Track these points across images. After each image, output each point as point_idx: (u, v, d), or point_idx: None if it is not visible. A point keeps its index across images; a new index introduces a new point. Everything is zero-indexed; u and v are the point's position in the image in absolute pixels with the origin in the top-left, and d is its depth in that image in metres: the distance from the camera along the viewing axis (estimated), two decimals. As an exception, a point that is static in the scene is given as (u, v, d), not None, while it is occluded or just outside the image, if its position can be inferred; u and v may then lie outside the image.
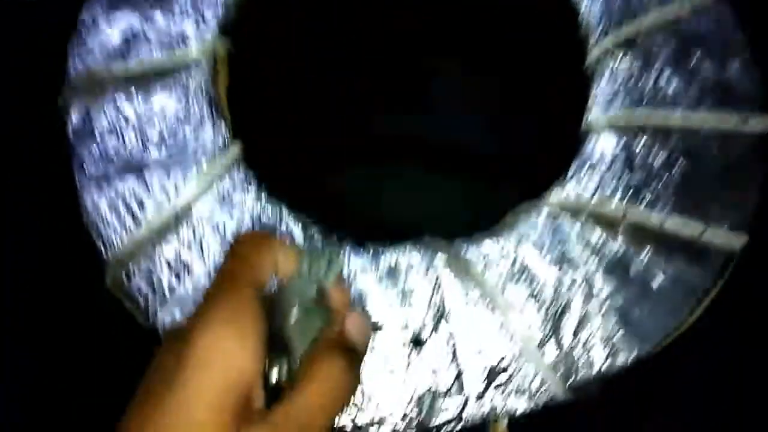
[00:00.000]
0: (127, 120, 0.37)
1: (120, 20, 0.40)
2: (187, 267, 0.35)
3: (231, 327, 0.22)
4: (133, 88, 0.38)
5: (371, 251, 0.35)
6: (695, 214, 0.35)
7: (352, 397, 0.28)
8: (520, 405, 0.33)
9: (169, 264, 0.35)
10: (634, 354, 0.33)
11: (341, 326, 0.26)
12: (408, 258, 0.34)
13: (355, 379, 0.25)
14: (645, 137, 0.36)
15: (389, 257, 0.34)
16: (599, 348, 0.33)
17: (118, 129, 0.37)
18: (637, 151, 0.36)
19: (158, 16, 0.40)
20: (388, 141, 0.39)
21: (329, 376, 0.23)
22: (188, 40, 0.39)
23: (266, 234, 0.28)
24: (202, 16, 0.40)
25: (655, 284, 0.34)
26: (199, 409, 0.21)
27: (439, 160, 0.40)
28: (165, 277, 0.35)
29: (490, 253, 0.34)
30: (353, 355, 0.25)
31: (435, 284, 0.34)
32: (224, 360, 0.22)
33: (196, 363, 0.21)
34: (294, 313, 0.25)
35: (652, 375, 0.35)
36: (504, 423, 0.34)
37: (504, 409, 0.33)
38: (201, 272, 0.35)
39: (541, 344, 0.33)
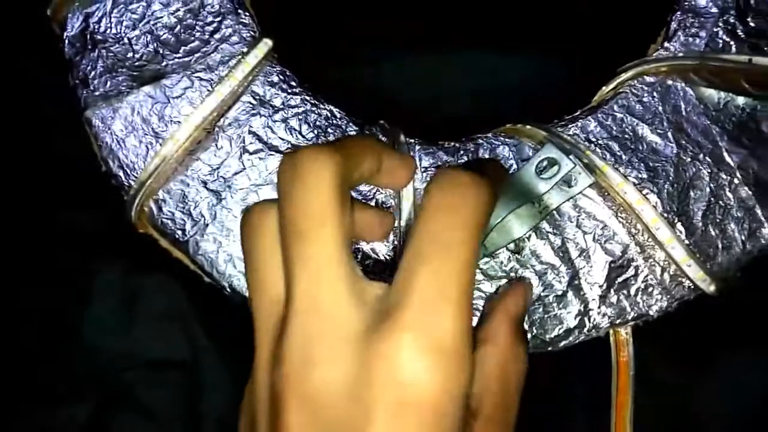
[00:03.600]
0: (134, 21, 0.31)
1: None
2: (227, 182, 0.29)
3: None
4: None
5: (453, 146, 0.29)
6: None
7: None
8: (653, 303, 0.27)
9: (205, 183, 0.29)
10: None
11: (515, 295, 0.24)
12: (500, 150, 0.29)
13: None
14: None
15: (478, 151, 0.29)
16: (736, 226, 0.27)
17: (124, 34, 0.31)
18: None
19: None
20: (445, 22, 0.33)
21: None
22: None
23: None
24: None
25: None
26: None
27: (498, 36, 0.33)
28: (203, 198, 0.29)
29: (593, 132, 0.29)
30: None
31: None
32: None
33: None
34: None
35: None
36: (627, 330, 0.28)
37: (634, 311, 0.27)
38: (245, 186, 0.29)
39: (669, 228, 0.27)
